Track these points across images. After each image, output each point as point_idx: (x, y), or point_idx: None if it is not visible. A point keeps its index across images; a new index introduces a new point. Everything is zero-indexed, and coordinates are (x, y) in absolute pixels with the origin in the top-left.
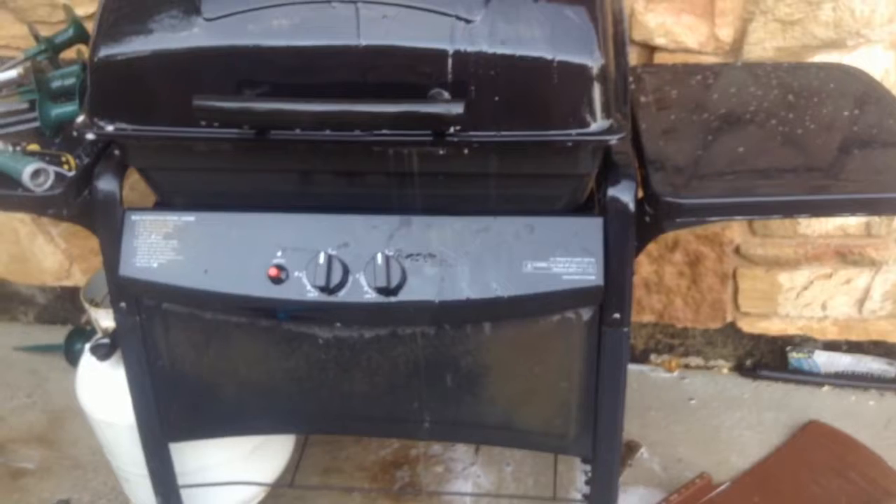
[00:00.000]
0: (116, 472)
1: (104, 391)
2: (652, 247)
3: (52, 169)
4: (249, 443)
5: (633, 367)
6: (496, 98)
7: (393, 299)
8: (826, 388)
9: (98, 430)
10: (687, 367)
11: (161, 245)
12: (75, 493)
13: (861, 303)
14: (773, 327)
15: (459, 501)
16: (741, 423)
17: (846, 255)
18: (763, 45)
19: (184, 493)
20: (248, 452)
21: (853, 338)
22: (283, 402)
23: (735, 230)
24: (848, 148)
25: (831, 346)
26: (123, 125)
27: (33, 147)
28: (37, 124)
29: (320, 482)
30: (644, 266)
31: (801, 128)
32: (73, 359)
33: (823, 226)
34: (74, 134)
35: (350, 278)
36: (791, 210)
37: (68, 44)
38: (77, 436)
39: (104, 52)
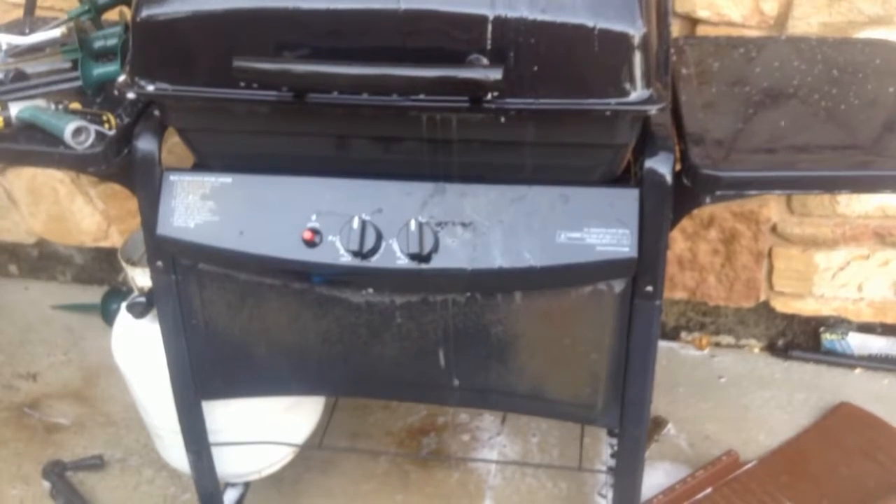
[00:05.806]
0: (149, 429)
1: (139, 348)
2: (687, 223)
3: (93, 127)
4: (280, 404)
5: (663, 344)
6: (535, 65)
7: (425, 266)
8: (858, 370)
9: (132, 387)
10: (717, 345)
11: (198, 205)
12: (108, 450)
13: None
14: (808, 307)
15: (485, 469)
16: (770, 403)
17: (885, 237)
18: (808, 20)
19: (214, 450)
20: (279, 413)
21: (888, 321)
22: (314, 365)
23: (772, 208)
24: (892, 125)
25: (866, 328)
26: (164, 85)
27: (75, 106)
28: (79, 83)
29: (348, 446)
30: (678, 243)
31: (844, 103)
32: (108, 318)
33: (863, 206)
34: (115, 93)
35: (383, 244)
36: (831, 185)
37: (111, 5)
38: (111, 393)
39: (146, 12)
